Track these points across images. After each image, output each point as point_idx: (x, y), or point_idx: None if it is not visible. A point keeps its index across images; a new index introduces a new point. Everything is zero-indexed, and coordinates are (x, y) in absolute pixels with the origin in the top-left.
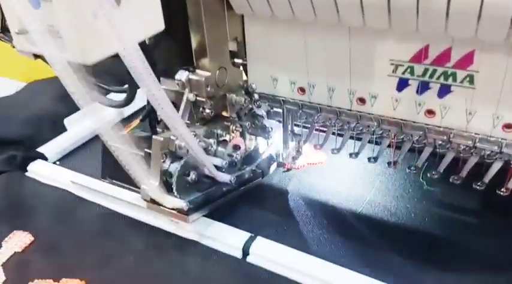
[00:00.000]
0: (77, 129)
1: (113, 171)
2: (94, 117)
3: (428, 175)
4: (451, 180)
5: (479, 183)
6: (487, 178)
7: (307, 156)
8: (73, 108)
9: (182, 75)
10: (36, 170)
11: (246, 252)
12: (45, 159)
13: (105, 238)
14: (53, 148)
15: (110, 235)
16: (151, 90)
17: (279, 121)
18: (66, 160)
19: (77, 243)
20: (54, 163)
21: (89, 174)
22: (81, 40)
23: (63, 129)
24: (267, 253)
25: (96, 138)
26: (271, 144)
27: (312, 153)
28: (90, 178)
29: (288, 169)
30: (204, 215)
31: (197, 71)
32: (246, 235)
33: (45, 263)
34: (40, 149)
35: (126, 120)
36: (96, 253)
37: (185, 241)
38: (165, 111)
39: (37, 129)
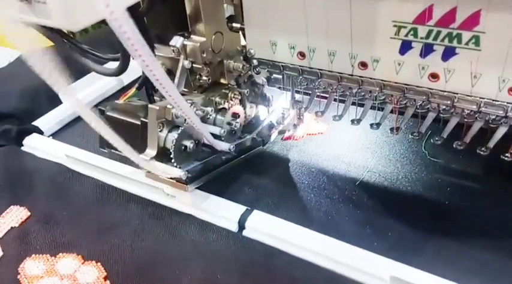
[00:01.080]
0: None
1: None
2: (71, 100)
3: (432, 140)
4: (454, 146)
5: (483, 148)
6: (491, 143)
7: (307, 126)
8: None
9: (177, 41)
10: (32, 144)
11: (241, 226)
12: (41, 132)
13: (101, 213)
14: (48, 121)
15: (106, 209)
16: (142, 57)
17: (280, 88)
18: (62, 133)
19: (73, 218)
20: (50, 136)
21: (86, 147)
22: (67, 4)
23: (60, 102)
24: (263, 226)
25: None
26: (271, 111)
27: (312, 123)
28: (86, 152)
29: (288, 138)
30: (201, 188)
31: (192, 36)
32: (241, 208)
33: (41, 238)
34: (35, 122)
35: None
36: (92, 227)
37: (180, 214)
38: (158, 78)
39: (33, 101)
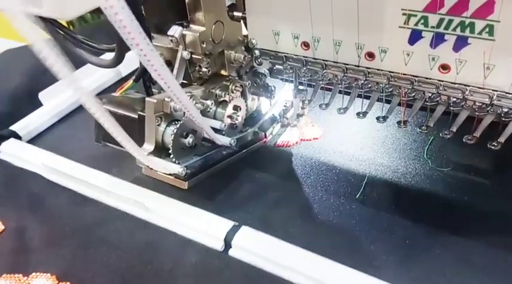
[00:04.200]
0: (53, 103)
1: (107, 133)
2: (75, 87)
3: (441, 134)
4: (464, 140)
5: (494, 143)
6: (502, 138)
7: (301, 131)
8: (51, 79)
9: (175, 30)
10: (9, 150)
11: (228, 244)
12: (19, 137)
13: (78, 228)
14: (26, 125)
15: (83, 224)
16: (139, 46)
17: (282, 80)
18: (42, 138)
19: (49, 234)
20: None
21: (66, 153)
22: None
23: (40, 104)
24: (252, 245)
25: (75, 113)
26: (274, 103)
27: (307, 128)
28: (65, 160)
29: (281, 145)
30: (186, 198)
31: (191, 25)
32: (228, 224)
33: (14, 256)
34: (13, 127)
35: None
36: (68, 244)
37: (161, 230)
38: (156, 69)
39: (12, 104)
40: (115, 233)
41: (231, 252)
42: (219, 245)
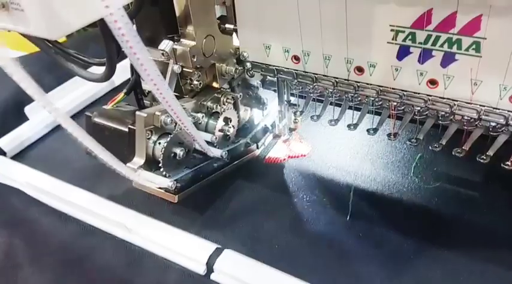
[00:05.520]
0: (40, 117)
1: None
2: (51, 109)
3: (430, 147)
4: (453, 153)
5: (483, 156)
6: (491, 151)
7: (289, 148)
8: None
9: (166, 45)
10: None
11: (210, 268)
12: (4, 153)
13: (59, 247)
14: (12, 140)
15: (64, 243)
16: (137, 55)
17: (275, 91)
18: (28, 153)
19: (30, 251)
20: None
21: (53, 167)
22: (45, 12)
23: (26, 119)
24: (235, 270)
25: (61, 127)
26: (266, 114)
27: (295, 144)
28: (48, 178)
29: (270, 161)
30: (165, 218)
31: (182, 40)
32: (211, 247)
33: None
34: None
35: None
36: (48, 263)
37: (142, 251)
38: (152, 78)
39: None
40: (96, 253)
41: (213, 276)
42: (201, 269)
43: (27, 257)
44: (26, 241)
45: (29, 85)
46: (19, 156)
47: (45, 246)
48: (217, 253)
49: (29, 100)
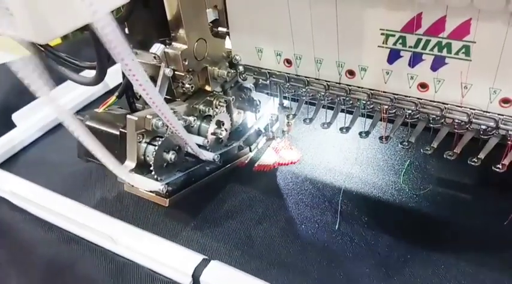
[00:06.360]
0: (27, 124)
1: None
2: (53, 106)
3: (422, 150)
4: (445, 156)
5: (474, 159)
6: (482, 154)
7: (279, 155)
8: (25, 100)
9: (157, 48)
10: None
11: (196, 279)
12: None
13: (43, 257)
14: None
15: (48, 253)
16: (125, 61)
17: (268, 94)
18: (16, 159)
19: (15, 261)
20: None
21: (40, 175)
22: (34, 16)
23: (14, 125)
24: (221, 281)
25: (49, 134)
26: (259, 117)
27: (285, 152)
28: (33, 187)
29: (259, 168)
30: (151, 228)
31: (173, 43)
32: (197, 258)
33: None
34: None
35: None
36: (33, 274)
37: (127, 261)
38: (141, 83)
39: None
40: (81, 263)
41: None
42: (187, 281)
43: (10, 267)
44: (8, 250)
45: (32, 82)
46: (6, 164)
47: (28, 256)
48: (203, 264)
49: (16, 107)
